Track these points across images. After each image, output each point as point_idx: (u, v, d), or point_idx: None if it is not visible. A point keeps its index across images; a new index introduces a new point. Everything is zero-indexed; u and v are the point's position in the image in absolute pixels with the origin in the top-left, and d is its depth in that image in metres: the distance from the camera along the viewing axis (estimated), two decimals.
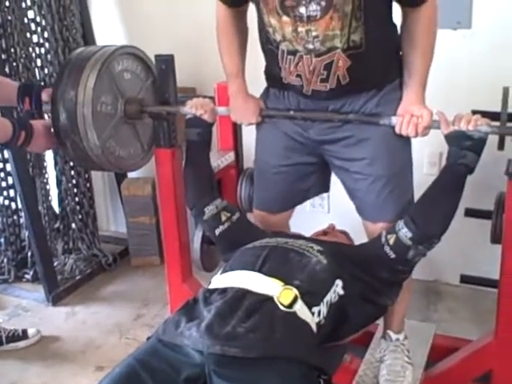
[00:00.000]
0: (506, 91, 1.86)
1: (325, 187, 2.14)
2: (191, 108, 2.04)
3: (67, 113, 1.95)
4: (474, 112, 2.14)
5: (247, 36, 2.01)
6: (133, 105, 2.13)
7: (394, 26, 1.85)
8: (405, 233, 1.70)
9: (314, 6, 1.67)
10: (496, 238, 2.08)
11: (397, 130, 1.80)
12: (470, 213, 2.45)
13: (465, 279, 2.76)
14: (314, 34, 1.71)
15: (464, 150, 1.70)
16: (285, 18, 1.72)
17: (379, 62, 1.81)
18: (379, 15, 1.74)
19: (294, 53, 1.78)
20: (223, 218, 1.93)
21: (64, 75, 1.99)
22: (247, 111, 2.00)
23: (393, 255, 1.71)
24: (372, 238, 1.86)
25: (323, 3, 1.65)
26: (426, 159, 2.76)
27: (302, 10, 1.68)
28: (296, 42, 1.76)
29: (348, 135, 1.88)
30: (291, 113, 1.94)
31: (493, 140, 1.89)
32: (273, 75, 1.93)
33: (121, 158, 2.16)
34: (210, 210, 1.94)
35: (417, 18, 1.75)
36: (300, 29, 1.72)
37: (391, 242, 1.72)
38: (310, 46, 1.74)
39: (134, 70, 2.18)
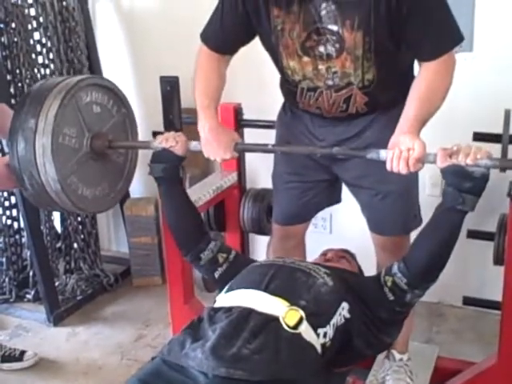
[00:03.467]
0: (507, 113, 1.88)
1: (337, 198, 2.18)
2: (161, 142, 1.90)
3: (25, 142, 1.81)
4: (476, 134, 2.17)
5: (224, 83, 1.96)
6: (100, 140, 1.98)
7: (407, 61, 1.85)
8: (400, 277, 1.63)
9: (329, 47, 1.73)
10: (498, 260, 2.09)
11: (388, 167, 1.66)
12: (473, 234, 2.46)
13: (467, 301, 2.76)
14: (333, 70, 1.77)
15: (463, 194, 1.53)
16: (305, 59, 1.78)
17: (395, 92, 1.84)
18: (389, 55, 1.76)
19: (314, 89, 1.84)
20: (220, 260, 1.86)
21: (25, 103, 1.86)
22: (219, 146, 1.86)
23: (391, 297, 1.64)
24: (372, 276, 1.80)
25: (337, 45, 1.72)
26: (429, 180, 2.77)
27: (322, 48, 1.75)
28: (317, 79, 1.81)
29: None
30: (269, 147, 1.88)
31: None
32: (290, 102, 1.97)
33: (84, 198, 1.99)
34: (206, 255, 1.86)
35: (430, 71, 1.71)
36: (320, 66, 1.78)
37: (389, 284, 1.65)
38: (330, 82, 1.81)
39: (104, 103, 2.04)
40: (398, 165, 1.62)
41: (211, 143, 1.86)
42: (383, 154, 1.67)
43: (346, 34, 1.68)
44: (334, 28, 1.69)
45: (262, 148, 1.88)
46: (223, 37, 1.88)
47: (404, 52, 1.75)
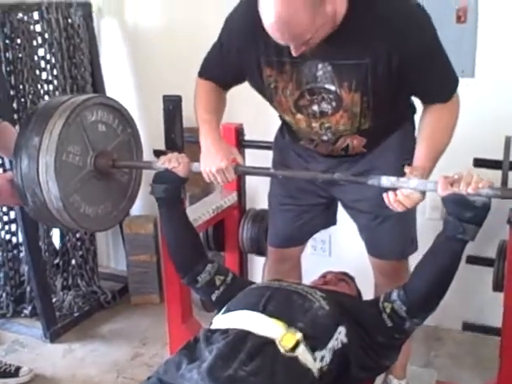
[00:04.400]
0: (508, 140, 1.89)
1: (332, 221, 2.19)
2: (164, 162, 1.90)
3: (29, 160, 1.82)
4: (477, 160, 2.17)
5: (225, 105, 1.98)
6: (104, 159, 1.99)
7: (405, 100, 1.86)
8: (399, 305, 1.62)
9: (325, 105, 1.75)
10: (498, 286, 2.08)
11: (386, 201, 1.67)
12: (472, 260, 2.46)
13: (467, 327, 2.75)
14: (326, 125, 1.80)
15: (464, 223, 1.52)
16: (298, 116, 1.82)
17: (394, 124, 1.87)
18: (388, 106, 1.77)
19: (311, 140, 1.88)
20: (218, 283, 1.85)
21: (31, 121, 1.87)
22: (217, 155, 1.84)
23: (390, 324, 1.63)
24: (370, 300, 1.80)
25: (334, 103, 1.73)
26: (429, 203, 2.77)
27: (315, 107, 1.77)
28: (312, 135, 1.85)
29: (357, 174, 1.90)
30: (271, 171, 1.89)
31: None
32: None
33: (86, 217, 1.98)
34: (203, 278, 1.85)
35: (435, 112, 1.73)
36: (314, 124, 1.81)
37: (388, 310, 1.64)
38: (325, 138, 1.84)
39: (109, 123, 2.05)
40: (397, 207, 1.64)
41: (210, 152, 1.85)
42: (384, 181, 1.66)
43: (343, 94, 1.70)
44: (332, 88, 1.70)
45: (263, 172, 1.89)
46: (220, 78, 1.91)
47: (403, 96, 1.77)
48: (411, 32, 1.60)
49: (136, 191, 2.19)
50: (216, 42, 1.86)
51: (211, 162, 1.84)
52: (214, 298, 1.84)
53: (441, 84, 1.72)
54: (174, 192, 1.90)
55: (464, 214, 1.52)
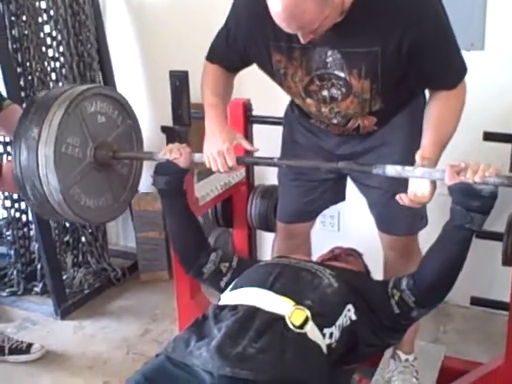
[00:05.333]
0: None
1: (341, 197, 2.18)
2: (165, 153, 1.86)
3: (28, 152, 1.79)
4: (487, 134, 2.15)
5: (232, 89, 1.96)
6: (104, 150, 1.95)
7: (414, 82, 1.82)
8: (408, 295, 1.62)
9: (335, 91, 1.73)
10: (507, 261, 2.07)
11: (400, 203, 1.67)
12: (481, 235, 2.43)
13: (475, 301, 2.74)
14: (336, 110, 1.79)
15: (471, 212, 1.51)
16: (308, 101, 1.81)
17: (404, 103, 1.86)
18: (397, 91, 1.76)
19: (322, 121, 1.88)
20: (224, 270, 1.82)
21: (30, 112, 1.83)
22: (220, 137, 1.80)
23: (397, 310, 1.63)
24: (379, 282, 1.80)
25: (344, 89, 1.72)
26: (439, 180, 2.75)
27: (325, 92, 1.75)
28: (322, 117, 1.84)
29: (368, 149, 1.91)
30: (275, 160, 1.85)
31: (506, 161, 1.88)
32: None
33: (87, 208, 1.96)
34: (208, 269, 1.83)
35: (442, 99, 1.71)
36: (323, 109, 1.80)
37: (396, 298, 1.63)
38: (334, 121, 1.84)
39: (109, 113, 2.01)
40: (407, 203, 1.64)
41: (214, 134, 1.82)
42: (389, 169, 1.65)
43: (353, 81, 1.69)
44: (341, 74, 1.69)
45: (266, 161, 1.85)
46: (227, 63, 1.88)
47: (413, 80, 1.74)
48: (422, 18, 1.57)
49: (137, 183, 2.17)
50: (223, 27, 1.83)
51: (213, 144, 1.81)
52: (222, 284, 1.81)
53: (449, 71, 1.69)
54: (175, 184, 1.86)
55: (471, 203, 1.50)
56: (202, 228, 1.96)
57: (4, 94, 2.47)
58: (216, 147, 1.79)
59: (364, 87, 1.69)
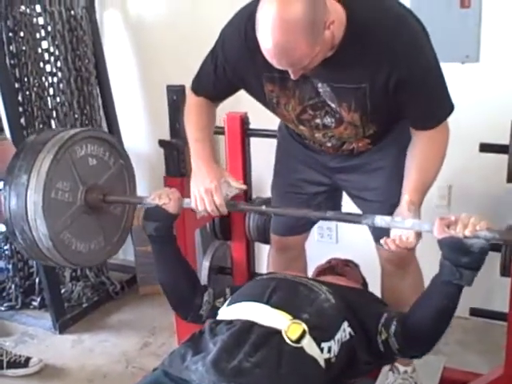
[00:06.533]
0: None
1: (337, 209, 2.16)
2: (154, 198, 1.82)
3: (17, 198, 1.78)
4: (482, 145, 2.16)
5: (215, 121, 1.94)
6: (94, 193, 1.93)
7: None
8: (393, 342, 1.58)
9: (328, 119, 1.74)
10: (505, 271, 2.07)
11: (382, 242, 1.66)
12: None
13: (474, 312, 2.74)
14: (330, 134, 1.80)
15: (460, 269, 1.46)
16: (301, 127, 1.81)
17: (396, 124, 1.84)
18: (389, 119, 1.77)
19: (316, 143, 1.88)
20: (220, 305, 1.77)
21: (19, 158, 1.82)
22: (208, 174, 1.79)
23: (382, 349, 1.61)
24: (375, 307, 1.75)
25: (337, 116, 1.72)
26: (436, 192, 2.76)
27: (318, 120, 1.76)
28: (315, 140, 1.85)
29: (364, 162, 1.91)
30: (263, 208, 1.85)
31: (502, 172, 1.88)
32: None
33: (78, 253, 1.93)
34: (205, 310, 1.80)
35: (425, 140, 1.69)
36: (317, 134, 1.81)
37: (383, 337, 1.59)
38: (328, 144, 1.85)
39: (100, 156, 1.99)
40: (394, 248, 1.63)
41: (201, 171, 1.81)
42: (378, 220, 1.64)
43: (343, 113, 1.69)
44: (332, 105, 1.69)
45: (255, 209, 1.86)
46: (214, 93, 1.85)
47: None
48: (411, 56, 1.56)
49: (130, 223, 2.14)
50: (210, 56, 1.78)
51: (200, 182, 1.79)
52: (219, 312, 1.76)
53: (436, 108, 1.67)
54: (165, 230, 1.82)
55: (460, 259, 1.46)
56: (193, 270, 1.92)
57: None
58: (203, 185, 1.78)
59: (354, 118, 1.70)
